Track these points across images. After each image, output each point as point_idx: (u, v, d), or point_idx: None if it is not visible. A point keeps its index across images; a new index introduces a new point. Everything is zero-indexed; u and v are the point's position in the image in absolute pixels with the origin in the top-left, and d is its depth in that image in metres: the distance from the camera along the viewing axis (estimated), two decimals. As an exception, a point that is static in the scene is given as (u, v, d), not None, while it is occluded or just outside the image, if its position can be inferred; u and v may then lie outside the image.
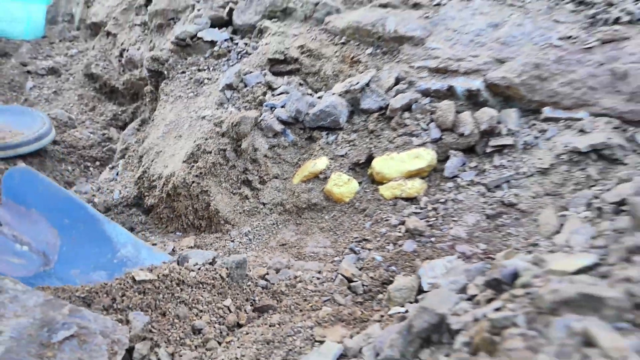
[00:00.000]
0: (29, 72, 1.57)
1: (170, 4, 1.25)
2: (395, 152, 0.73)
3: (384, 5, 0.84)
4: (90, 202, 0.87)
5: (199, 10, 1.13)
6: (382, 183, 0.74)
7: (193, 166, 0.83)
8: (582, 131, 0.66)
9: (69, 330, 0.45)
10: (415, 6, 0.81)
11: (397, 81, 0.79)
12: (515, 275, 0.43)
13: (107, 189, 0.91)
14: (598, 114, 0.66)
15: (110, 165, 1.00)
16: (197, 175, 0.82)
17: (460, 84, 0.74)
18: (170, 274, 0.57)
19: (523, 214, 0.66)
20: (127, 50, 1.45)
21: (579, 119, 0.67)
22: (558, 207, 0.65)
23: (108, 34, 1.58)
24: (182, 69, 1.01)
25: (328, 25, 0.90)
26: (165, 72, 1.02)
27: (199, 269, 0.61)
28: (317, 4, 0.91)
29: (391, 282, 0.63)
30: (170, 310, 0.54)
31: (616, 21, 0.66)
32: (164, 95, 0.99)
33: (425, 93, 0.77)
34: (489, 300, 0.43)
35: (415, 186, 0.71)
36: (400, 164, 0.71)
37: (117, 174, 0.95)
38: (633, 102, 0.64)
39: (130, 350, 0.48)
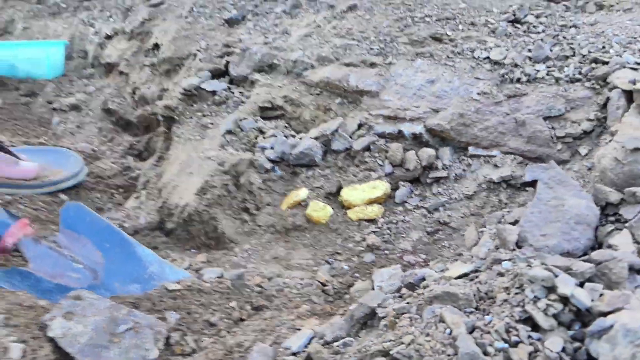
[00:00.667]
0: (54, 109, 1.79)
1: (175, 53, 1.47)
2: (358, 183, 0.94)
3: (347, 65, 1.05)
4: (121, 226, 1.09)
5: (200, 60, 1.34)
6: (349, 208, 0.94)
7: (203, 198, 1.05)
8: (495, 165, 0.87)
9: (127, 324, 0.67)
10: (372, 65, 1.02)
11: (359, 126, 1.00)
12: (422, 279, 0.64)
13: (135, 216, 1.13)
14: (507, 152, 0.86)
15: (135, 196, 1.22)
16: (206, 205, 1.03)
17: (407, 129, 0.95)
18: (192, 285, 0.79)
19: (454, 230, 0.87)
20: (140, 89, 1.67)
21: (494, 156, 0.87)
22: (479, 224, 0.86)
23: (121, 73, 1.80)
24: (189, 115, 1.23)
25: (305, 78, 1.10)
26: (176, 117, 1.24)
27: (212, 280, 0.83)
28: (295, 61, 1.12)
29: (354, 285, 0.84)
30: (193, 310, 0.75)
31: (518, 80, 0.87)
32: (176, 137, 1.21)
33: (381, 135, 0.98)
34: (407, 297, 0.65)
35: (375, 210, 0.91)
36: (362, 193, 0.92)
37: (142, 203, 1.16)
38: (530, 143, 0.84)
39: (167, 338, 0.69)
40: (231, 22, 1.40)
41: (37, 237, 0.86)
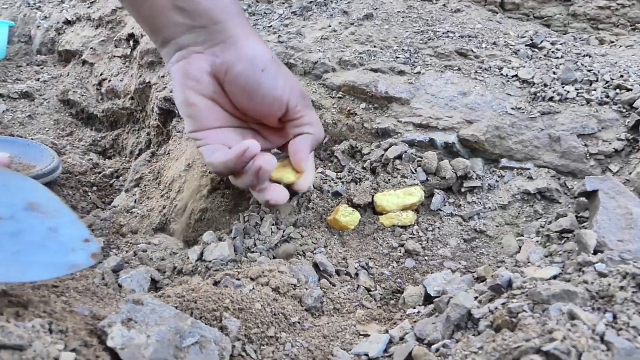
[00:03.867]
0: (0, 95, 1.59)
1: (163, 45, 1.38)
2: (392, 189, 0.93)
3: (375, 70, 1.05)
4: (120, 225, 0.97)
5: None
6: (382, 214, 0.93)
7: (216, 198, 0.97)
8: (529, 178, 0.90)
9: (194, 337, 0.59)
10: (400, 73, 1.02)
11: (388, 133, 0.99)
12: (509, 282, 0.64)
13: (132, 215, 1.01)
14: (540, 166, 0.90)
15: (125, 193, 1.10)
16: (219, 206, 0.96)
17: (439, 137, 0.95)
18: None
19: (490, 238, 0.88)
20: (109, 81, 1.53)
21: (527, 169, 0.91)
22: (515, 233, 0.88)
23: (84, 62, 1.64)
24: (191, 109, 1.14)
25: (326, 81, 1.08)
26: (176, 111, 1.15)
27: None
28: (315, 63, 1.09)
29: (399, 291, 0.81)
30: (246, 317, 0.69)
31: (550, 99, 0.91)
32: (176, 132, 1.12)
33: (412, 143, 0.98)
34: (491, 299, 0.64)
35: (409, 217, 0.91)
36: (397, 199, 0.91)
37: (135, 202, 1.05)
38: (564, 159, 0.88)
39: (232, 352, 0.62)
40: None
41: None
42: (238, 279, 0.75)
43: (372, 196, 0.94)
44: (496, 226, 0.90)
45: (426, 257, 0.87)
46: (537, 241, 0.83)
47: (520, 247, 0.84)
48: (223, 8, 0.78)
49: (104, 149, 1.52)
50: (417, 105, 1.00)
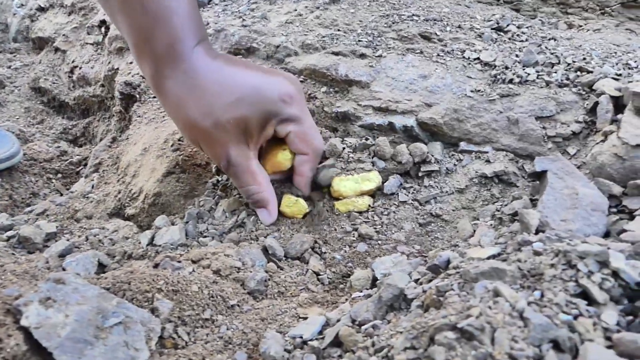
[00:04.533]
0: (-30, 81, 1.57)
1: (131, 30, 1.36)
2: (350, 174, 0.91)
3: (336, 54, 1.03)
4: (75, 210, 0.95)
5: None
6: (338, 199, 0.91)
7: (170, 182, 0.95)
8: (487, 161, 0.88)
9: (117, 317, 0.57)
10: (362, 56, 1.00)
11: (347, 118, 0.97)
12: (448, 262, 0.62)
13: (89, 200, 1.00)
14: (498, 149, 0.88)
15: (84, 179, 1.08)
16: (173, 190, 0.94)
17: (398, 121, 0.94)
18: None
19: (446, 222, 0.87)
20: (80, 68, 1.51)
21: (486, 152, 0.89)
22: (471, 217, 0.86)
23: (56, 49, 1.62)
24: (152, 94, 1.13)
25: (288, 65, 1.06)
26: (137, 96, 1.13)
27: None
28: (278, 47, 1.08)
29: (349, 275, 0.80)
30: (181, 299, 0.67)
31: (510, 81, 0.89)
32: (136, 117, 1.10)
33: (370, 127, 0.96)
34: (430, 280, 0.62)
35: (365, 202, 0.89)
36: (354, 185, 0.89)
37: (93, 187, 1.03)
38: (522, 142, 0.87)
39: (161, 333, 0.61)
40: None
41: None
42: (179, 262, 0.73)
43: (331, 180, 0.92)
44: (452, 210, 0.88)
45: (379, 242, 0.85)
46: (491, 224, 0.81)
47: (474, 231, 0.82)
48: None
49: (75, 137, 1.50)
50: (377, 89, 0.98)
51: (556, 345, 0.44)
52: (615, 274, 0.49)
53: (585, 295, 0.49)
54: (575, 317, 0.47)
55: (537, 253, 0.56)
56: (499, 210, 0.83)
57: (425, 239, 0.85)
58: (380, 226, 0.87)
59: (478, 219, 0.85)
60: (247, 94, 0.72)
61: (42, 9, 1.74)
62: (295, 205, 0.91)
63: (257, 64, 1.02)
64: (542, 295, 0.50)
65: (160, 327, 0.61)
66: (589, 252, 0.50)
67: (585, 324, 0.45)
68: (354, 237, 0.86)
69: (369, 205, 0.90)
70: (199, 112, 0.70)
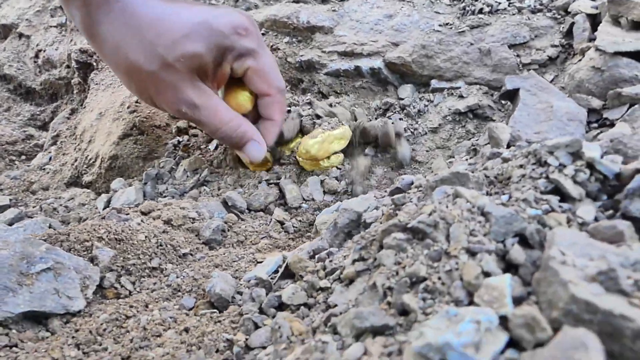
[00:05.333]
0: None
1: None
2: (320, 128, 0.82)
3: (297, 1, 0.97)
4: (30, 182, 0.90)
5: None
6: (311, 160, 0.81)
7: (127, 145, 0.90)
8: (460, 97, 0.82)
9: (46, 263, 0.51)
10: (324, 2, 0.94)
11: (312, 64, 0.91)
12: (411, 183, 0.56)
13: (45, 171, 0.94)
14: (471, 83, 0.82)
15: (43, 152, 1.03)
16: (130, 153, 0.88)
17: (365, 64, 0.88)
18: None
19: (420, 164, 0.81)
20: (45, 51, 1.46)
21: (458, 87, 0.83)
22: (446, 156, 0.80)
23: (20, 35, 1.57)
24: (110, 61, 1.07)
25: (249, 19, 1.00)
26: (94, 64, 1.07)
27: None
28: (237, 1, 1.02)
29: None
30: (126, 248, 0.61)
31: (480, 11, 0.83)
32: (94, 85, 1.04)
33: (336, 74, 0.90)
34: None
35: (334, 162, 0.81)
36: (328, 145, 0.79)
37: (50, 159, 0.98)
38: (495, 73, 0.81)
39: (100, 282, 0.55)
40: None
41: None
42: (127, 214, 0.68)
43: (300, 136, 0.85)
44: (426, 151, 0.82)
45: (348, 191, 0.79)
46: (466, 158, 0.75)
47: (449, 168, 0.77)
48: None
49: (44, 122, 1.45)
50: (341, 33, 0.92)
51: (523, 240, 0.38)
52: (590, 166, 0.43)
53: (558, 191, 0.43)
54: (546, 213, 0.41)
55: (505, 160, 0.50)
56: (474, 145, 0.77)
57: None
58: (348, 178, 0.81)
59: (453, 157, 0.79)
60: (195, 29, 0.64)
61: (4, -3, 1.69)
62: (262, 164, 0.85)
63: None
64: (510, 198, 0.44)
65: (100, 275, 0.55)
66: (560, 144, 0.44)
67: (557, 217, 0.40)
68: (324, 188, 0.80)
69: (339, 162, 0.83)
70: (142, 54, 0.63)
